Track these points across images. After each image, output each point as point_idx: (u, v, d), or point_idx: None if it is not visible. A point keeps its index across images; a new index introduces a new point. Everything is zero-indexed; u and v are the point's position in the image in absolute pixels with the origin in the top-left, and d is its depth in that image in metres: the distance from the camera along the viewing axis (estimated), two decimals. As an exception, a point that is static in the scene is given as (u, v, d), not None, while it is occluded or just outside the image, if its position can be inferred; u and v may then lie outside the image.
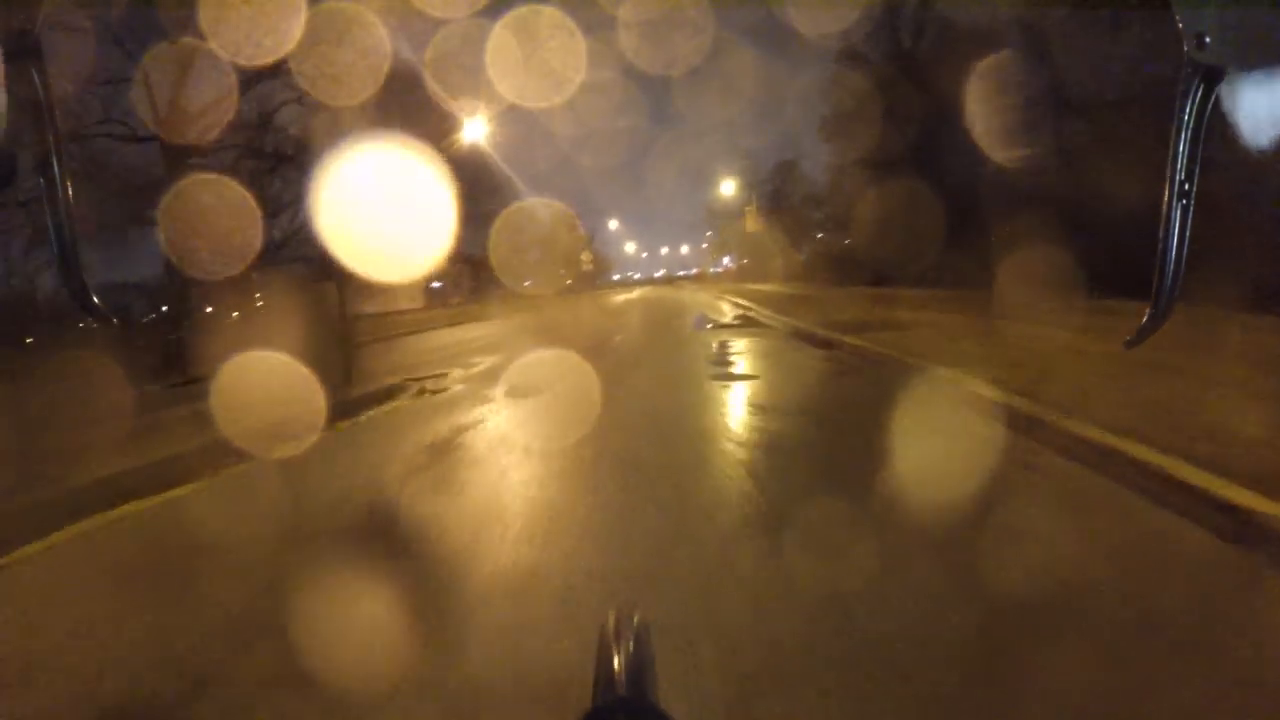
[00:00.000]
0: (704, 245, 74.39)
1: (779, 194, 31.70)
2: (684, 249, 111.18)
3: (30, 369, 9.47)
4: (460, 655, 1.92)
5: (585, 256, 39.77)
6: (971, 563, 2.23)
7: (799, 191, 29.93)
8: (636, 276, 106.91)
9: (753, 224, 30.68)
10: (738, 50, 25.32)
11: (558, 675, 1.69)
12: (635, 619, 0.63)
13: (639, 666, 0.56)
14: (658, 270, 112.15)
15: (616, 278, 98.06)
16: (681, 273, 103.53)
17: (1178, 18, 0.46)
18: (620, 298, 38.02)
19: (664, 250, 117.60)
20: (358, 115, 12.11)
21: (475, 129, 20.37)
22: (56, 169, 0.44)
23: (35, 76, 0.41)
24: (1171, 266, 0.51)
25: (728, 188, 36.39)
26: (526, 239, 30.53)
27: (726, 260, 59.99)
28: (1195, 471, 2.59)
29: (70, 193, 0.44)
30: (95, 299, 0.47)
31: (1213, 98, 0.47)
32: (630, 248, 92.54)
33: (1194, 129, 0.48)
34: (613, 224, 70.73)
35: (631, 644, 0.58)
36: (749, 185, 34.13)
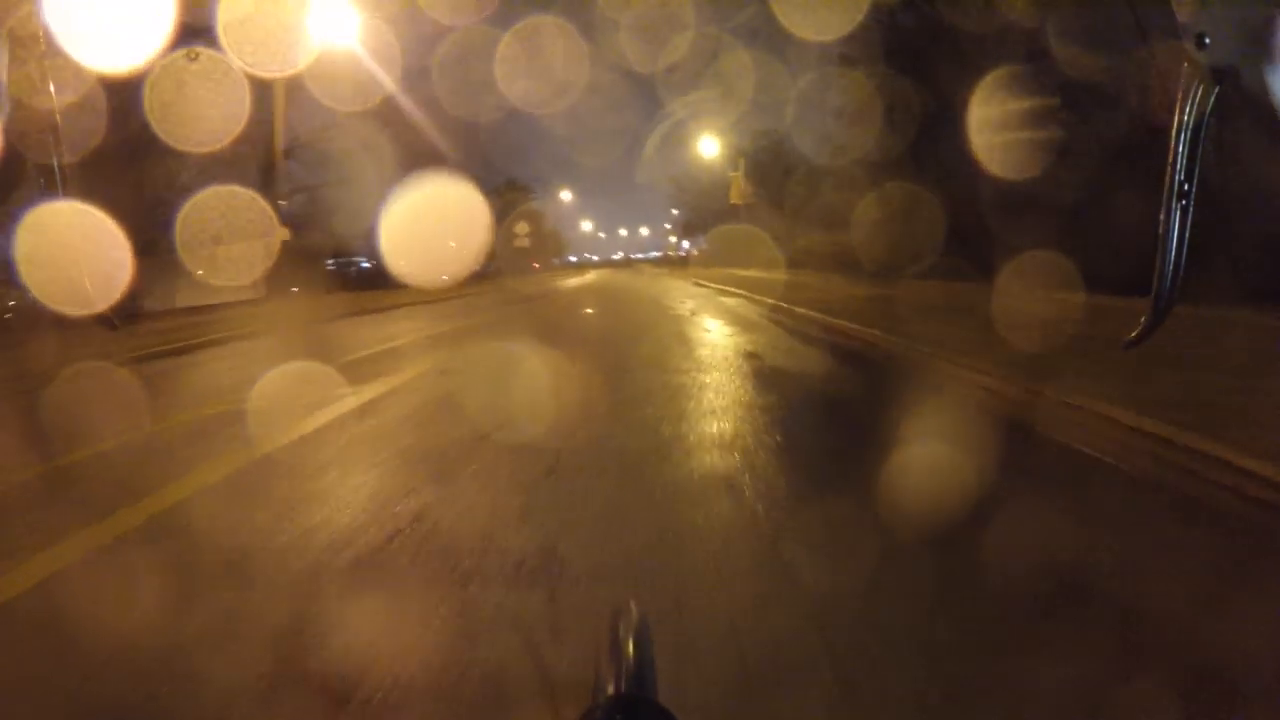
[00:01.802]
0: (667, 225, 67.44)
1: (761, 167, 25.79)
2: (644, 231, 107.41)
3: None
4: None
5: (521, 229, 30.59)
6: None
7: (781, 165, 24.47)
8: (594, 259, 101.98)
9: (738, 194, 23.86)
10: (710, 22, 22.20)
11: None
12: (635, 613, 0.63)
13: (640, 663, 0.56)
14: (615, 252, 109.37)
15: (574, 259, 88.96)
16: (639, 256, 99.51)
17: (1178, 18, 0.46)
18: (570, 282, 29.21)
19: (623, 232, 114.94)
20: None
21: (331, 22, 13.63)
22: (58, 171, 0.44)
23: (38, 78, 0.42)
24: (1171, 266, 0.50)
25: (709, 147, 28.22)
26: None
27: (687, 244, 54.31)
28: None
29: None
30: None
31: (1212, 98, 0.47)
32: (587, 226, 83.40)
33: (1194, 129, 0.48)
34: (565, 195, 58.64)
35: (632, 640, 0.58)
36: (735, 147, 26.53)
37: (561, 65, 23.35)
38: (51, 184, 0.44)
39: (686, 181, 39.44)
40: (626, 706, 0.50)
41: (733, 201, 23.72)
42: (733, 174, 23.91)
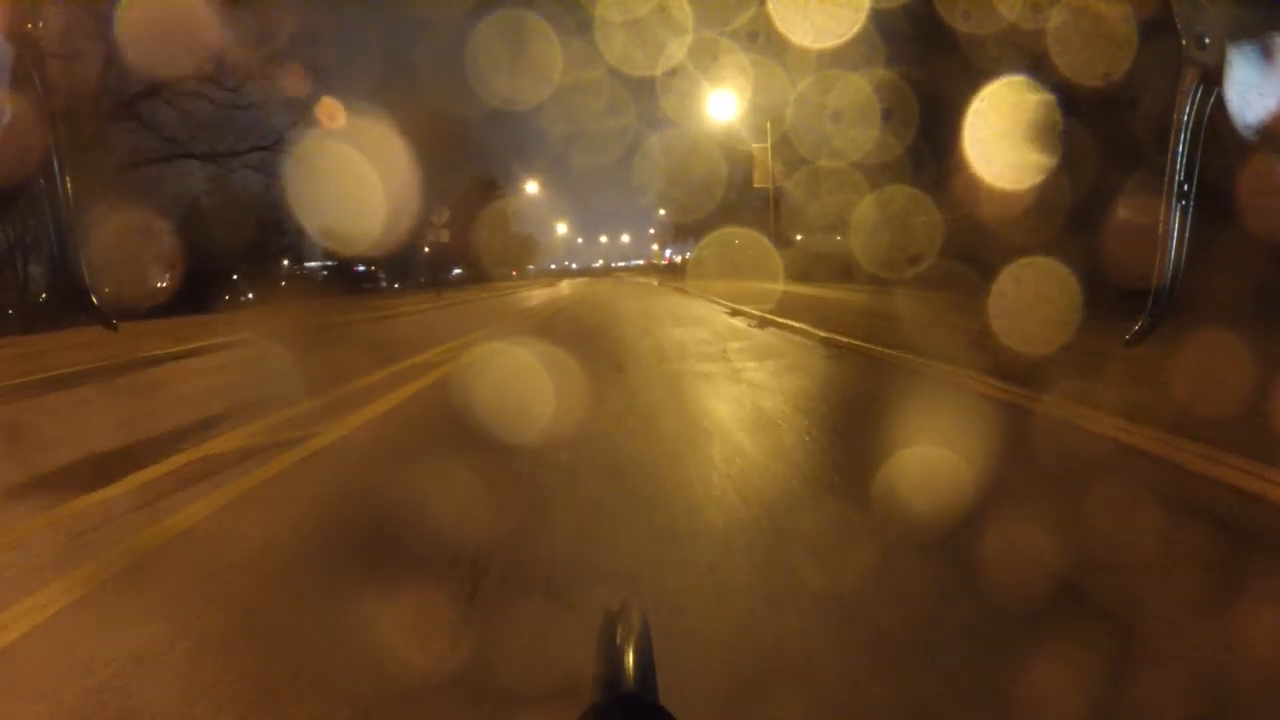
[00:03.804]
0: (651, 230, 62.46)
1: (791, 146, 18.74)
2: (625, 238, 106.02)
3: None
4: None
5: (438, 218, 24.45)
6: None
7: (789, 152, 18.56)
8: (573, 265, 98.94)
9: (764, 175, 17.70)
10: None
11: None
12: (634, 613, 0.63)
13: (640, 663, 0.56)
14: (596, 260, 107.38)
15: (553, 267, 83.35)
16: (621, 264, 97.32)
17: (1178, 18, 0.46)
18: (526, 301, 21.02)
19: (603, 239, 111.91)
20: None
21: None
22: (57, 170, 0.44)
23: (35, 77, 0.42)
24: (1170, 267, 0.51)
25: (724, 106, 20.03)
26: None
27: (669, 251, 49.78)
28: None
29: (71, 194, 0.44)
30: (94, 299, 0.47)
31: (1212, 98, 0.47)
32: (562, 229, 74.98)
33: (1193, 129, 0.48)
34: (531, 187, 50.97)
35: (632, 640, 0.58)
36: (760, 111, 18.96)
37: (546, 62, 22.80)
38: (51, 182, 0.43)
39: (679, 175, 33.70)
40: (626, 706, 0.50)
41: (757, 184, 18.62)
42: (757, 147, 18.23)
